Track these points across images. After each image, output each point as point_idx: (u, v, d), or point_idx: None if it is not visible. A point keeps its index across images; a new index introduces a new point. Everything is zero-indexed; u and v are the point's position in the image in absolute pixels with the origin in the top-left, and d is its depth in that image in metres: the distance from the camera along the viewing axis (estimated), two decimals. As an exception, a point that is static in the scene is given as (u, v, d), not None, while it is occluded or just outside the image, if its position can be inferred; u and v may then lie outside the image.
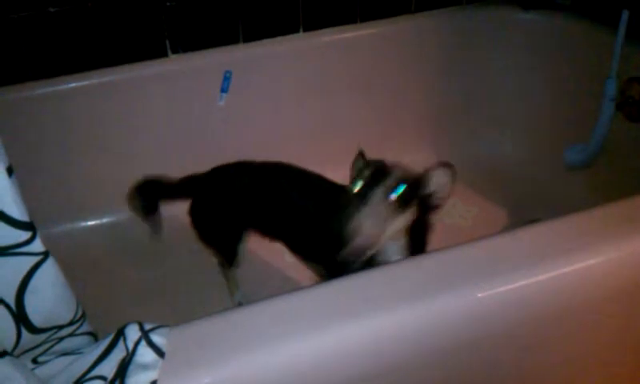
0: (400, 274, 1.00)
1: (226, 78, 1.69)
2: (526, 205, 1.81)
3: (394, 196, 0.99)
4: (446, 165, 1.06)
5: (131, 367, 0.84)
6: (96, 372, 0.83)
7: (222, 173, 1.41)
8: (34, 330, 0.86)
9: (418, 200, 1.04)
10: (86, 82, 1.66)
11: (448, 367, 1.02)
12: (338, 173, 1.67)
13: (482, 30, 1.92)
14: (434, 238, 1.29)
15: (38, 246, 0.77)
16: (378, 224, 0.99)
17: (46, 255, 0.79)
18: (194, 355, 0.87)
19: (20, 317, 0.83)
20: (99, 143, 1.72)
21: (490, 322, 0.99)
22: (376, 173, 1.02)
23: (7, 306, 0.81)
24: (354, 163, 1.12)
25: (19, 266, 0.78)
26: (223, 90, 1.70)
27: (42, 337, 0.89)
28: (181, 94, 1.72)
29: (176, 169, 1.45)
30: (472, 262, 1.01)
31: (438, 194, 1.07)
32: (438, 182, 1.06)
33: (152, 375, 0.82)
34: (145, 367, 0.83)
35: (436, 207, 1.09)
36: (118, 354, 0.85)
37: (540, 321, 1.03)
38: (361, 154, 1.13)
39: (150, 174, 1.46)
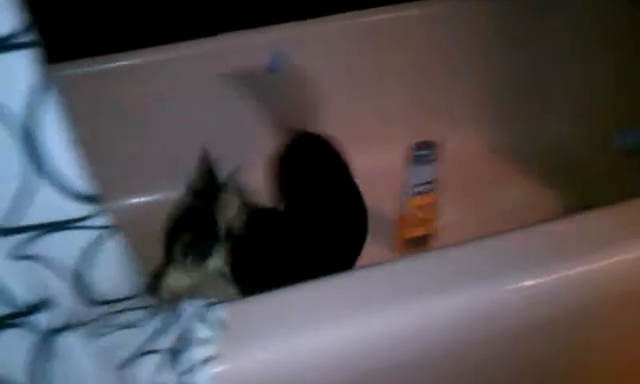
0: (449, 258, 0.99)
1: (276, 58, 1.68)
2: (582, 191, 1.76)
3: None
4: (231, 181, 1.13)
5: (191, 341, 0.85)
6: (156, 345, 0.84)
7: (308, 138, 1.50)
8: (95, 302, 0.88)
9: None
10: (136, 60, 1.66)
11: (484, 359, 1.01)
12: (390, 153, 1.67)
13: (545, 9, 1.85)
14: (486, 222, 1.26)
15: (103, 219, 0.78)
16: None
17: (110, 229, 0.80)
18: (253, 330, 0.88)
19: (82, 289, 0.85)
20: (149, 121, 1.73)
21: (531, 313, 0.97)
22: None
23: (71, 278, 0.83)
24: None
25: (85, 239, 0.79)
26: (273, 69, 1.69)
27: (103, 309, 0.91)
28: (230, 73, 1.71)
29: (226, 147, 1.45)
30: (518, 249, 0.99)
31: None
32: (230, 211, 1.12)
33: (211, 349, 0.83)
34: (204, 341, 0.84)
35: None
36: (177, 328, 0.86)
37: (575, 314, 1.01)
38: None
39: (198, 151, 1.47)
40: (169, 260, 1.15)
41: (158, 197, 1.80)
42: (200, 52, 1.69)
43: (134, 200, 1.82)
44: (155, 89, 1.70)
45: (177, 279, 1.10)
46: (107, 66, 1.65)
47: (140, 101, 1.70)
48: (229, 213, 1.13)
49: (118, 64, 1.66)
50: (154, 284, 1.05)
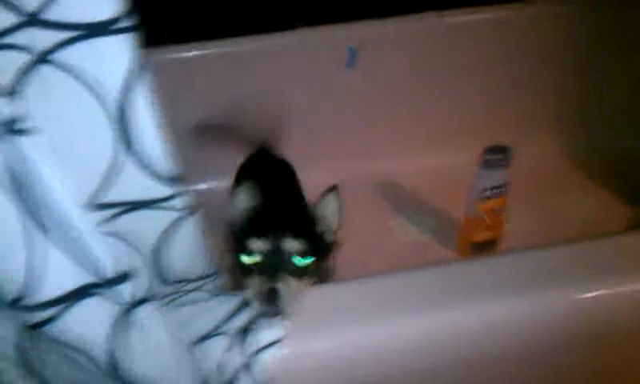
0: (512, 264, 0.99)
1: (351, 55, 1.68)
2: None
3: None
4: (330, 188, 1.01)
5: (259, 324, 0.87)
6: (227, 326, 0.87)
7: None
8: (169, 281, 0.92)
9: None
10: (212, 51, 1.70)
11: (534, 367, 0.99)
12: (458, 155, 1.65)
13: (628, 19, 1.79)
14: (555, 229, 1.24)
15: (183, 201, 0.81)
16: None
17: (189, 211, 0.83)
18: (318, 318, 0.91)
19: (159, 267, 0.89)
20: (221, 112, 1.76)
21: (589, 325, 0.95)
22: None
23: (149, 256, 0.87)
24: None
25: (164, 219, 0.82)
26: (348, 66, 1.70)
27: (174, 288, 0.95)
28: (305, 68, 1.73)
29: (295, 141, 1.47)
30: (583, 260, 0.98)
31: (331, 226, 1.03)
32: (329, 211, 1.02)
33: (278, 333, 0.86)
34: (271, 326, 0.87)
35: (332, 245, 1.05)
36: (247, 311, 0.89)
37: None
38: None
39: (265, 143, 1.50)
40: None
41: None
42: (277, 46, 1.71)
43: (199, 186, 1.85)
44: (230, 80, 1.72)
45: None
46: (181, 55, 1.69)
47: (214, 91, 1.73)
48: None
49: (190, 54, 1.70)
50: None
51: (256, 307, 0.89)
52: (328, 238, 1.04)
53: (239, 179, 1.45)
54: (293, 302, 0.90)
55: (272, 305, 0.88)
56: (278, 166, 1.50)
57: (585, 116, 1.91)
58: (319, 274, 1.00)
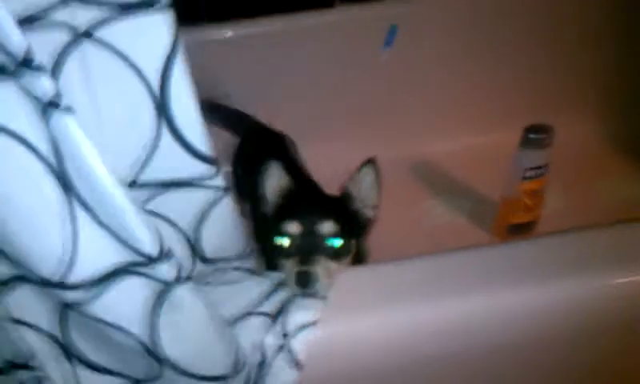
0: (546, 248, 0.97)
1: (391, 34, 1.64)
2: None
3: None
4: (367, 162, 0.98)
5: (294, 306, 0.87)
6: (262, 307, 0.87)
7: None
8: (205, 260, 0.92)
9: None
10: (251, 30, 1.68)
11: (565, 353, 0.97)
12: (495, 135, 1.62)
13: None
14: (592, 213, 1.21)
15: (220, 181, 0.81)
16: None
17: (225, 191, 0.83)
18: (352, 300, 0.90)
19: (196, 247, 0.89)
20: (257, 92, 1.75)
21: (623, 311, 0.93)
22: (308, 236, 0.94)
23: (186, 235, 0.87)
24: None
25: (202, 198, 0.83)
26: (387, 43, 1.67)
27: (211, 267, 0.95)
28: (343, 47, 1.69)
29: (328, 120, 1.45)
30: (618, 244, 0.95)
31: (368, 202, 1.01)
32: (364, 186, 1.00)
33: (313, 315, 0.86)
34: (307, 307, 0.87)
35: (368, 222, 1.03)
36: (283, 293, 0.89)
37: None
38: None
39: (299, 123, 1.49)
40: None
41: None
42: (315, 24, 1.69)
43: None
44: (267, 60, 1.71)
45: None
46: (217, 34, 1.68)
47: (251, 71, 1.72)
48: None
49: (228, 34, 1.68)
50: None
51: (290, 289, 0.90)
52: (364, 216, 1.03)
53: (239, 158, 1.47)
54: (327, 284, 0.90)
55: (306, 287, 0.88)
56: (278, 141, 1.48)
57: (626, 98, 1.85)
58: (354, 255, 0.99)
